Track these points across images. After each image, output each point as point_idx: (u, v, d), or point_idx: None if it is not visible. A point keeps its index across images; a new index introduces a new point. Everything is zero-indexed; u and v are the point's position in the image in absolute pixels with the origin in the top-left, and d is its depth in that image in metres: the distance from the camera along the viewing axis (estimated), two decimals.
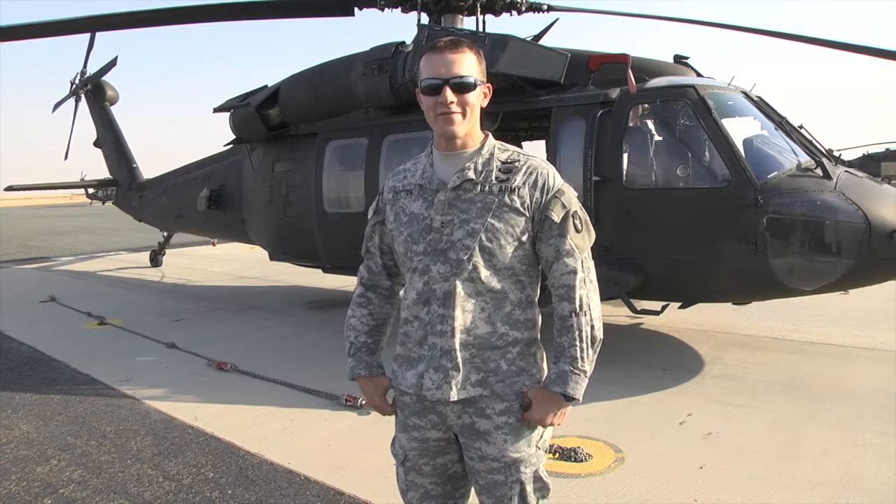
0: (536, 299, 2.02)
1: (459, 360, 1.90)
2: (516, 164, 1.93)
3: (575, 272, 1.90)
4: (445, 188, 1.91)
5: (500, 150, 1.96)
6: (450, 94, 1.85)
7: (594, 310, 1.92)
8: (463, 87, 1.86)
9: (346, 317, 2.19)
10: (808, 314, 7.27)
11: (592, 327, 1.90)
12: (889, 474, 3.61)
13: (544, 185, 1.91)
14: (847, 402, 4.75)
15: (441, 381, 1.90)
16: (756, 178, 5.06)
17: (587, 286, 1.92)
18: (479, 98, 1.92)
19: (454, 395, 1.89)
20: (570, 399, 1.90)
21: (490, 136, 2.00)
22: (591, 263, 1.95)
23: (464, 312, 1.89)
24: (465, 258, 1.88)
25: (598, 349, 1.94)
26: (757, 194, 5.00)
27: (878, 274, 5.12)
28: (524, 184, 1.90)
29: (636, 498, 3.47)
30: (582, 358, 1.89)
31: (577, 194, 1.98)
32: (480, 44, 5.71)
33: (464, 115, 1.88)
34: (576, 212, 1.93)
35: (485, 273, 1.89)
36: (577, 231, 1.92)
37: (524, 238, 1.90)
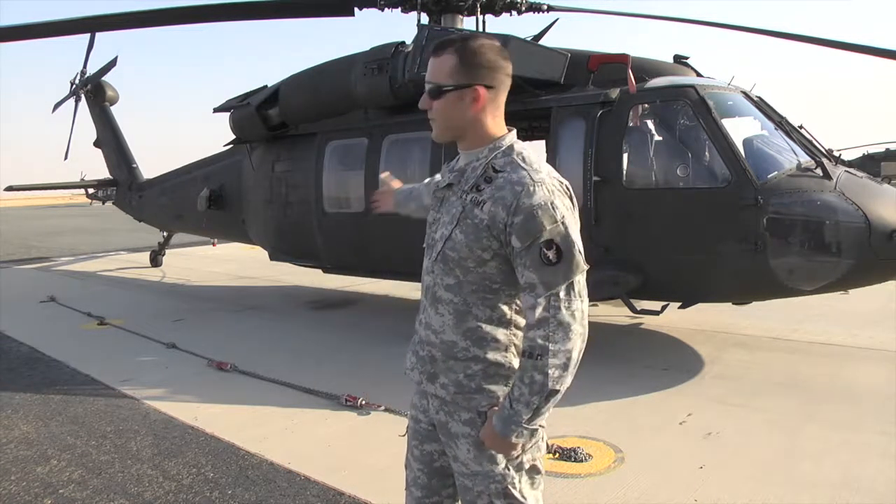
0: (515, 318, 1.84)
1: (425, 352, 1.93)
2: (499, 175, 1.75)
3: (532, 309, 1.67)
4: (439, 186, 1.96)
5: (502, 156, 1.80)
6: (425, 100, 1.84)
7: (554, 356, 1.64)
8: (432, 93, 1.82)
9: None
10: (808, 314, 7.27)
11: (546, 375, 1.64)
12: (889, 474, 3.61)
13: (512, 204, 1.68)
14: (847, 402, 4.75)
15: (412, 366, 1.98)
16: (756, 178, 5.07)
17: (549, 328, 1.64)
18: (452, 104, 1.79)
19: (421, 383, 1.94)
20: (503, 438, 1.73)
21: (506, 138, 1.84)
22: (568, 299, 1.67)
23: (434, 313, 1.89)
24: (433, 260, 1.89)
25: (554, 399, 1.69)
26: (757, 194, 5.00)
27: (878, 274, 5.13)
28: (490, 198, 1.72)
29: (636, 498, 3.47)
30: (521, 402, 1.67)
31: (562, 216, 1.68)
32: None
33: (438, 120, 1.83)
34: (549, 240, 1.66)
35: (448, 280, 1.83)
36: (547, 263, 1.65)
37: (486, 255, 1.75)
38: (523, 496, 1.86)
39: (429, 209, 2.04)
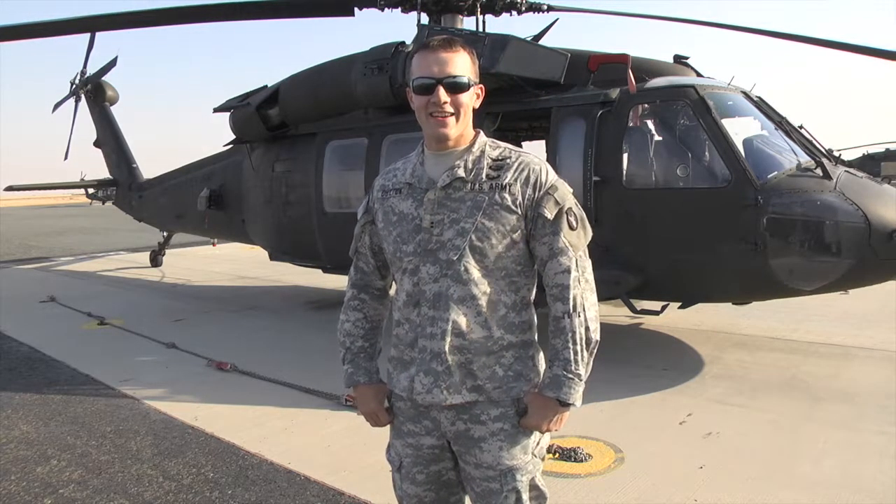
0: (532, 300, 1.97)
1: (451, 363, 1.84)
2: (507, 160, 1.88)
3: (568, 271, 1.84)
4: (435, 187, 1.87)
5: (492, 148, 1.92)
6: (443, 94, 1.81)
7: (589, 310, 1.85)
8: (456, 88, 1.82)
9: (339, 321, 2.15)
10: (808, 314, 7.27)
11: (587, 328, 1.84)
12: (889, 474, 3.61)
13: (536, 181, 1.86)
14: (847, 402, 4.75)
15: (431, 385, 1.86)
16: (756, 178, 5.06)
17: (581, 285, 1.85)
18: (472, 99, 1.88)
19: (446, 399, 1.85)
20: (565, 404, 1.85)
21: (481, 133, 1.95)
22: (587, 262, 1.90)
23: (458, 315, 1.83)
24: (456, 258, 1.82)
25: (595, 351, 1.87)
26: (757, 194, 4.99)
27: (878, 274, 5.12)
28: (515, 180, 1.85)
29: (636, 498, 3.47)
30: (575, 361, 1.82)
31: (571, 190, 1.94)
32: (479, 44, 5.71)
33: (457, 116, 1.84)
34: (570, 208, 1.88)
35: (476, 274, 1.83)
36: (572, 228, 1.86)
37: (516, 236, 1.85)
38: (542, 484, 1.94)
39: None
